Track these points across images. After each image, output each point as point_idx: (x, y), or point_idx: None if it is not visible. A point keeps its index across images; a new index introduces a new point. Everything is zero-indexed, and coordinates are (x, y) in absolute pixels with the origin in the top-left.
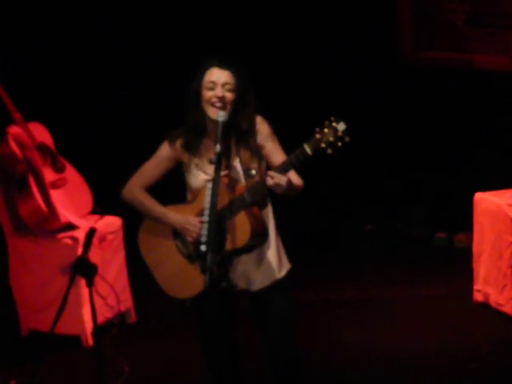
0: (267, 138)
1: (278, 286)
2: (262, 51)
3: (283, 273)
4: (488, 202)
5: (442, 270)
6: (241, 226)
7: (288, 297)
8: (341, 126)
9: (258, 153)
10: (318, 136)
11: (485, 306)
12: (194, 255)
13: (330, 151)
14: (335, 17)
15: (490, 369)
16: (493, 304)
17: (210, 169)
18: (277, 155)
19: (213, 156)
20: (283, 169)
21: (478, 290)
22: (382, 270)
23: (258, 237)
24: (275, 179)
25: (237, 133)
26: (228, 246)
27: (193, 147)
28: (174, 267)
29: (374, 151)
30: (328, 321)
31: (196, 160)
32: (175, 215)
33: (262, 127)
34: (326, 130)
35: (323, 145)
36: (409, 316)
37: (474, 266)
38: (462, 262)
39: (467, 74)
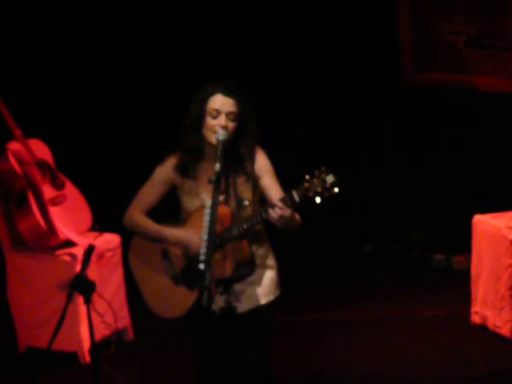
0: (265, 170)
1: (258, 313)
2: (263, 75)
3: (270, 298)
4: (486, 224)
5: (439, 292)
6: (226, 259)
7: (265, 327)
8: (329, 179)
9: (253, 181)
10: (306, 185)
11: (482, 328)
12: (179, 277)
13: (318, 200)
14: (337, 37)
15: None
16: (490, 326)
17: (205, 192)
18: (274, 190)
19: (212, 176)
20: (260, 215)
21: (476, 312)
22: (381, 290)
23: (244, 268)
24: (281, 210)
25: (234, 160)
26: (215, 274)
27: (188, 170)
28: (160, 287)
29: (373, 172)
30: (326, 341)
31: (190, 183)
32: (169, 231)
33: (262, 159)
34: (314, 180)
35: (311, 194)
36: (406, 337)
37: (472, 287)
38: (460, 283)
39: (468, 96)
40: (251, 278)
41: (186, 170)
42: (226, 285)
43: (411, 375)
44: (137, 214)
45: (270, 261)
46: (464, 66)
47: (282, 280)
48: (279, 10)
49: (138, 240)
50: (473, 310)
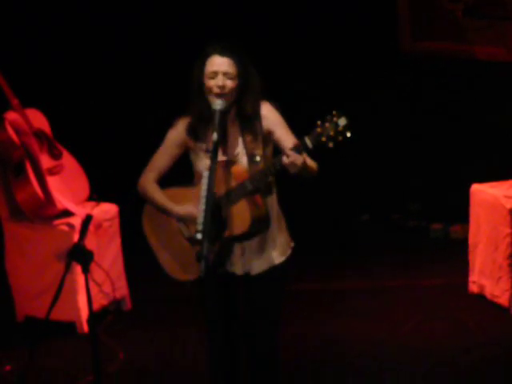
0: (276, 124)
1: (273, 273)
2: (262, 40)
3: (282, 258)
4: (484, 194)
5: (437, 262)
6: (241, 214)
7: (280, 287)
8: (342, 121)
9: (262, 138)
10: (318, 130)
11: (480, 297)
12: (195, 238)
13: (330, 145)
14: (336, 7)
15: (484, 359)
16: (488, 295)
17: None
18: (288, 140)
19: (210, 145)
20: (274, 165)
21: (474, 282)
22: (378, 260)
23: (259, 224)
24: (291, 158)
25: (241, 118)
26: (227, 232)
27: (198, 133)
28: (176, 249)
29: (370, 141)
30: (323, 310)
31: (201, 145)
32: (175, 208)
33: (271, 113)
34: (327, 125)
35: (324, 139)
36: (403, 306)
37: (470, 257)
38: (457, 253)
39: (465, 65)
40: (265, 237)
41: (196, 132)
42: (241, 242)
43: (409, 344)
44: (149, 183)
45: (280, 216)
46: (462, 34)
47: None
48: None
49: (150, 207)
50: (470, 279)
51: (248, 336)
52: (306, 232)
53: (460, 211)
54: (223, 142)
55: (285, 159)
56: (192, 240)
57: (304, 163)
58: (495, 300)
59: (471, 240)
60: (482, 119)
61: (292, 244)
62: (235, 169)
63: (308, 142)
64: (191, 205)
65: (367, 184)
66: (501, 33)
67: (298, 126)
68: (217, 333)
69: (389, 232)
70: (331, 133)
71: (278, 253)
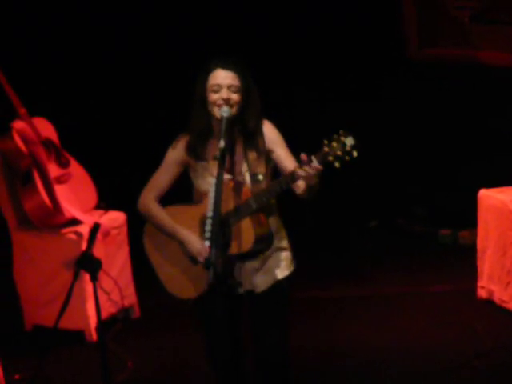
0: (276, 143)
1: (277, 288)
2: (266, 49)
3: (286, 273)
4: (492, 199)
5: (445, 267)
6: (245, 232)
7: (285, 301)
8: (349, 141)
9: (264, 155)
10: (325, 149)
11: (489, 302)
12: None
13: (337, 165)
14: (341, 13)
15: (493, 365)
16: (497, 301)
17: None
18: (288, 161)
19: (217, 152)
20: (291, 178)
21: (482, 287)
22: (386, 266)
23: (263, 243)
24: (308, 169)
25: (244, 134)
26: (232, 250)
27: (198, 151)
28: (177, 267)
29: (378, 147)
30: (330, 317)
31: (203, 163)
32: (185, 233)
33: (270, 132)
34: (334, 144)
35: (331, 158)
36: (412, 312)
37: (478, 262)
38: (466, 258)
39: (472, 71)
40: (267, 256)
41: (196, 151)
42: (243, 260)
43: (418, 350)
44: (151, 202)
45: (283, 235)
46: (468, 40)
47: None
48: None
49: (151, 226)
50: (479, 284)
51: (259, 350)
52: (312, 239)
53: (468, 216)
54: (230, 156)
55: (300, 172)
56: (194, 259)
57: (317, 177)
58: (504, 305)
59: (479, 245)
60: (488, 124)
61: (294, 261)
62: (244, 189)
63: (315, 161)
64: (195, 237)
65: (375, 190)
66: (507, 38)
67: (304, 134)
68: (221, 349)
69: (397, 238)
70: (338, 152)
71: (281, 268)
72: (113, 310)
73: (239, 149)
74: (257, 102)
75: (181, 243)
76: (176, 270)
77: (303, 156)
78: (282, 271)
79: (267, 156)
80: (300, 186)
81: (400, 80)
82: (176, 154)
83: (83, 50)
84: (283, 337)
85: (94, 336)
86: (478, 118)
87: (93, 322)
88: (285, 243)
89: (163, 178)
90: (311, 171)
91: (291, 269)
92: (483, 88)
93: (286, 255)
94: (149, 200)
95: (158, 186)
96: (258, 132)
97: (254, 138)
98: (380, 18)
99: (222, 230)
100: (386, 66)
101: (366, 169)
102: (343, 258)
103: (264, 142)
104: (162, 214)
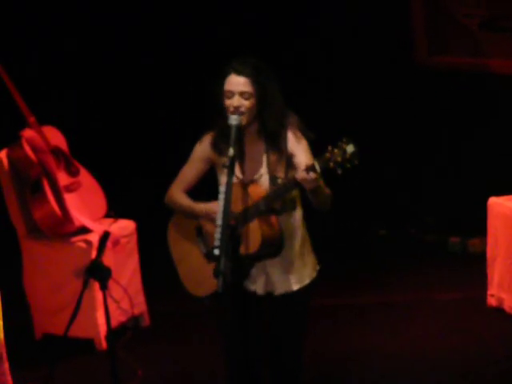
0: (299, 148)
1: (297, 294)
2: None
3: (307, 281)
4: (502, 207)
5: (455, 275)
6: (252, 234)
7: (304, 307)
8: (349, 148)
9: (286, 158)
10: (327, 155)
11: (499, 310)
12: (211, 255)
13: (339, 171)
14: (350, 20)
15: (504, 373)
16: (507, 308)
17: (236, 169)
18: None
19: (226, 160)
20: (293, 183)
21: (492, 295)
22: (396, 274)
23: (271, 247)
24: (304, 174)
25: (266, 136)
26: (242, 250)
27: (221, 148)
28: (194, 264)
29: (387, 155)
30: (340, 325)
31: (224, 160)
32: (200, 205)
33: (295, 136)
34: (335, 150)
35: (332, 164)
36: (422, 320)
37: (488, 270)
38: (475, 266)
39: (481, 78)
40: (292, 259)
41: (219, 147)
42: (257, 261)
43: (427, 358)
44: (176, 193)
45: (307, 239)
46: (477, 48)
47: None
48: None
49: (177, 218)
50: (489, 292)
51: (275, 352)
52: (323, 247)
53: (478, 224)
54: (241, 160)
55: (298, 175)
56: (209, 256)
57: (317, 180)
58: None
59: (489, 253)
60: (498, 132)
61: (318, 267)
62: (252, 188)
63: (316, 165)
64: (215, 203)
65: (384, 198)
66: None
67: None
68: (234, 350)
69: (406, 246)
70: (338, 159)
71: (300, 275)
72: (123, 318)
73: (260, 149)
74: (275, 103)
75: (198, 235)
76: (193, 267)
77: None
78: (304, 278)
79: (289, 160)
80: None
81: (410, 87)
82: (202, 150)
83: (94, 58)
84: (299, 343)
85: (104, 344)
86: (487, 126)
87: (103, 330)
88: (308, 246)
89: (189, 172)
90: (307, 176)
91: (313, 276)
92: (493, 96)
93: (310, 259)
94: (175, 191)
95: (185, 180)
96: (281, 134)
97: (275, 140)
98: (389, 25)
99: (233, 231)
100: (394, 73)
101: (376, 177)
102: (354, 266)
103: (286, 144)
104: (183, 199)
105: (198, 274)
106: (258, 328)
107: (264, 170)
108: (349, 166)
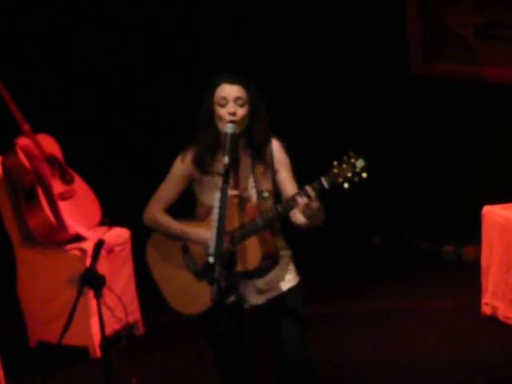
0: (282, 164)
1: (286, 296)
2: (270, 66)
3: (291, 284)
4: (496, 216)
5: (449, 283)
6: (251, 250)
7: (298, 306)
8: (359, 163)
9: (271, 171)
10: (335, 171)
11: (493, 319)
12: (201, 272)
13: (346, 186)
14: (344, 28)
15: (497, 382)
16: (501, 317)
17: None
18: (290, 186)
19: (221, 168)
20: (292, 202)
21: (486, 304)
22: (390, 282)
23: (269, 260)
24: (310, 193)
25: (252, 149)
26: (238, 268)
27: (205, 164)
28: (181, 283)
29: (382, 163)
30: (335, 334)
31: (209, 178)
32: (194, 230)
33: (279, 152)
34: (344, 166)
35: (340, 180)
36: (416, 329)
37: (483, 279)
38: (470, 275)
39: (477, 87)
40: (272, 273)
41: (203, 165)
42: (250, 278)
43: (422, 367)
44: (157, 212)
45: (286, 251)
46: (472, 56)
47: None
48: (287, 4)
49: (156, 237)
50: (483, 301)
51: (280, 363)
52: (316, 254)
53: (472, 233)
54: (234, 172)
55: (300, 199)
56: (198, 274)
57: (320, 207)
58: (508, 322)
59: (484, 262)
60: (493, 140)
61: (299, 273)
62: (249, 206)
63: (325, 182)
64: (204, 229)
65: (379, 206)
66: (511, 54)
67: (308, 150)
68: (228, 363)
69: (401, 254)
70: (348, 174)
71: (285, 281)
72: (117, 326)
73: (247, 163)
74: (264, 116)
75: (185, 253)
76: (179, 286)
77: (307, 188)
78: (287, 283)
79: (273, 174)
80: (297, 216)
81: (404, 96)
82: (182, 167)
83: (88, 65)
84: (303, 339)
85: (98, 352)
86: (482, 135)
87: (97, 338)
88: (287, 257)
89: (169, 190)
90: (308, 201)
91: (297, 280)
92: (487, 104)
93: (289, 268)
94: (155, 210)
95: (164, 198)
96: (267, 147)
97: (262, 152)
98: (384, 32)
99: (228, 248)
100: (389, 82)
101: (371, 185)
102: (347, 275)
103: (272, 157)
104: (169, 220)
105: (186, 292)
106: (246, 343)
107: (251, 183)
108: (357, 179)
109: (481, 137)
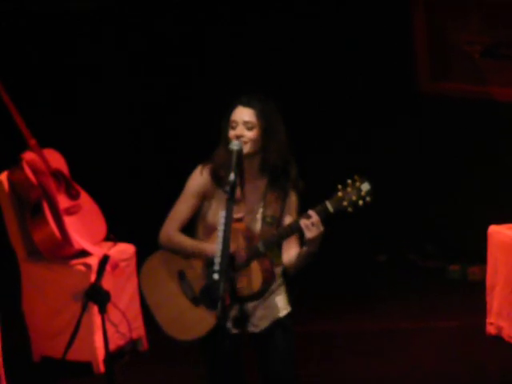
0: (291, 210)
1: (279, 325)
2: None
3: (284, 313)
4: (502, 235)
5: (455, 303)
6: (253, 275)
7: (289, 335)
8: (365, 187)
9: (284, 198)
10: (340, 194)
11: (497, 338)
12: (199, 298)
13: (350, 210)
14: (352, 46)
15: None
16: (505, 337)
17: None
18: (289, 214)
19: (227, 187)
20: (295, 227)
21: (491, 323)
22: (395, 301)
23: (267, 285)
24: (313, 219)
25: (270, 174)
26: (240, 293)
27: (221, 180)
28: (177, 309)
29: (387, 181)
30: (337, 352)
31: (220, 194)
32: (210, 245)
33: (293, 198)
34: (348, 189)
35: (345, 203)
36: (421, 348)
37: (487, 298)
38: (475, 294)
39: (484, 106)
40: (266, 299)
41: (220, 179)
42: (243, 302)
43: None
44: (173, 232)
45: (280, 279)
46: (480, 76)
47: (294, 291)
48: (291, 20)
49: (149, 265)
50: (488, 320)
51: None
52: (319, 272)
53: (478, 252)
54: (244, 194)
55: (304, 221)
56: (195, 300)
57: (322, 232)
58: None
59: (489, 281)
60: (500, 160)
61: (290, 300)
62: (249, 230)
63: (329, 206)
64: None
65: (384, 224)
66: None
67: (313, 166)
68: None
69: (406, 272)
70: (354, 198)
71: (279, 308)
72: (121, 342)
73: (260, 187)
74: (279, 139)
75: (181, 279)
76: (175, 312)
77: (311, 212)
78: (282, 310)
79: (285, 201)
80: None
81: (412, 114)
82: (197, 184)
83: (96, 80)
84: (292, 369)
85: (102, 368)
86: (489, 154)
87: (101, 353)
88: (281, 283)
89: (185, 208)
90: (315, 221)
91: (289, 309)
92: (496, 123)
93: (283, 295)
94: (170, 231)
95: (180, 217)
96: (284, 174)
97: (278, 179)
98: (392, 51)
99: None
100: (397, 100)
101: (376, 204)
102: (352, 293)
103: (289, 183)
104: (184, 239)
105: (182, 319)
106: (242, 368)
107: (260, 208)
108: (361, 203)
109: (488, 156)
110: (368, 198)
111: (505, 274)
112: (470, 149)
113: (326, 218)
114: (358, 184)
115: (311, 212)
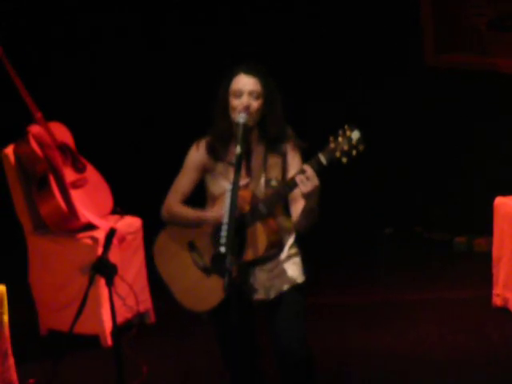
0: (293, 165)
1: (291, 289)
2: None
3: (299, 281)
4: (508, 207)
5: (461, 274)
6: (257, 237)
7: (301, 297)
8: (355, 135)
9: (283, 162)
10: (332, 145)
11: (504, 310)
12: (210, 268)
13: (344, 160)
14: (357, 18)
15: (507, 372)
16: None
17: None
18: (297, 192)
19: (233, 158)
20: (292, 184)
21: (497, 295)
22: (401, 273)
23: (274, 248)
24: (308, 173)
25: (266, 140)
26: (245, 256)
27: (218, 153)
28: (190, 280)
29: (393, 153)
30: (345, 324)
31: (221, 167)
32: (210, 212)
33: (293, 152)
34: (340, 139)
35: (338, 154)
36: (427, 320)
37: (494, 270)
38: (481, 266)
39: (489, 78)
40: (279, 262)
41: (217, 152)
42: (254, 265)
43: (433, 357)
44: (174, 204)
45: (293, 241)
46: (486, 48)
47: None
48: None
49: (159, 243)
50: (494, 292)
51: (282, 348)
52: (327, 245)
53: (484, 224)
54: (246, 161)
55: (299, 176)
56: (206, 270)
57: (318, 186)
58: None
59: (495, 253)
60: (506, 132)
61: (306, 269)
62: (243, 193)
63: (322, 158)
64: (218, 207)
65: (390, 197)
66: None
67: (318, 141)
68: (238, 356)
69: (412, 245)
70: (345, 147)
71: (293, 276)
72: (128, 315)
73: (260, 153)
74: (279, 110)
75: (192, 251)
76: (189, 284)
77: (305, 166)
78: (295, 279)
79: (284, 167)
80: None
81: (418, 86)
82: (197, 155)
83: (100, 53)
84: (304, 332)
85: (109, 341)
86: (495, 126)
87: (108, 326)
88: (295, 250)
89: (185, 181)
90: (310, 175)
91: (303, 278)
92: (501, 95)
93: (297, 263)
94: (172, 203)
95: (180, 190)
96: (281, 138)
97: (276, 144)
98: (398, 23)
99: (236, 235)
100: (403, 72)
101: (381, 175)
102: (359, 265)
103: (286, 148)
104: (185, 209)
105: (196, 289)
106: (255, 335)
107: (262, 172)
108: (355, 152)
109: (494, 127)
110: (360, 147)
111: (511, 246)
112: (476, 120)
113: (320, 170)
114: (348, 133)
115: (305, 166)
